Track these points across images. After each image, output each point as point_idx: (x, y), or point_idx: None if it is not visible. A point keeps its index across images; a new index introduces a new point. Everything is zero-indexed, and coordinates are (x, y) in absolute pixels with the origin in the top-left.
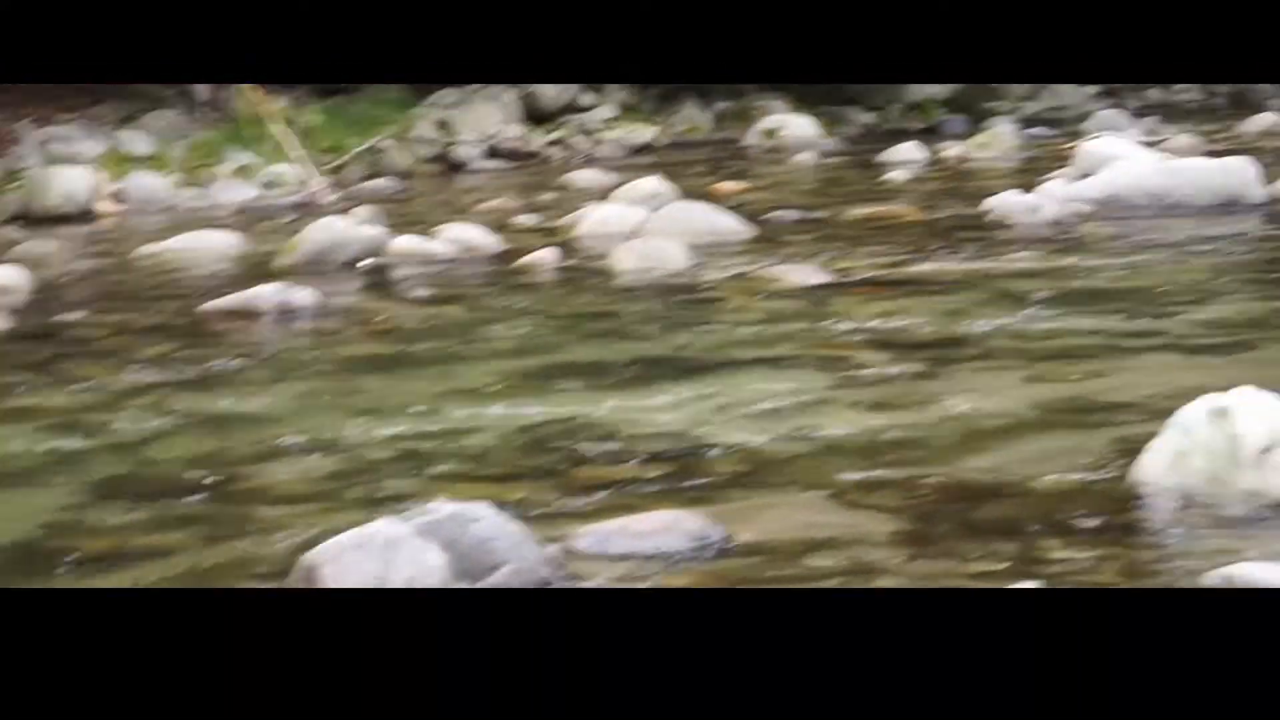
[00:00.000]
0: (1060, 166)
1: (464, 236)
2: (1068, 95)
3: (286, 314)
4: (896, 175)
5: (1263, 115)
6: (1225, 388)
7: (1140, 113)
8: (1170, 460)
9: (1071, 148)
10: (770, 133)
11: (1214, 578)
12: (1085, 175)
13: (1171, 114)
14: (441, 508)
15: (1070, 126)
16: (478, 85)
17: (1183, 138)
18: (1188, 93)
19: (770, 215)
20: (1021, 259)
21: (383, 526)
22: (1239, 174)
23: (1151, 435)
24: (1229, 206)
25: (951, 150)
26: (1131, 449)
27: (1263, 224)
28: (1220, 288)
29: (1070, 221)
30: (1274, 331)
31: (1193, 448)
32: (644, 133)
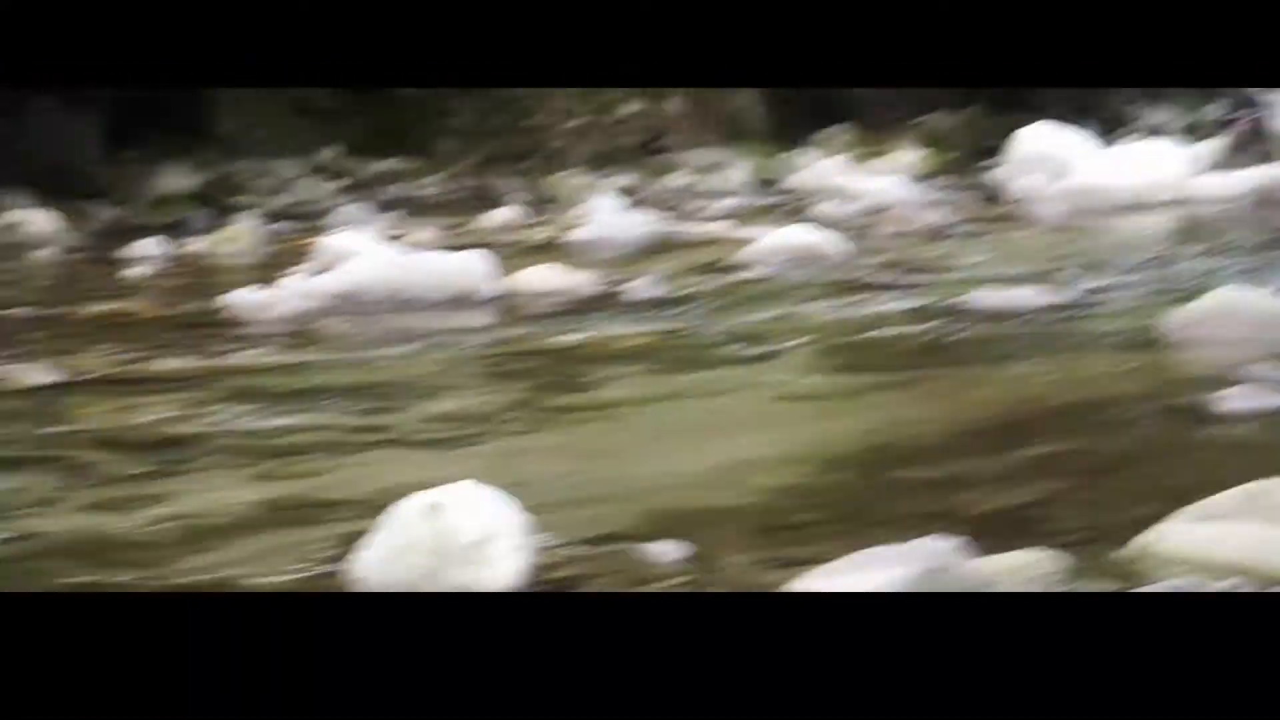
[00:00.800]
0: (301, 262)
1: None
2: (314, 190)
3: None
4: (135, 272)
5: (500, 210)
6: (450, 482)
7: (385, 207)
8: (386, 556)
9: (312, 243)
10: (8, 228)
11: None
12: (324, 270)
13: (416, 208)
14: None
15: (314, 221)
16: None
17: (424, 231)
18: (430, 187)
19: (2, 314)
20: (254, 356)
21: None
22: (472, 268)
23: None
24: (462, 300)
25: (194, 246)
26: (354, 546)
27: (493, 318)
28: (448, 382)
29: (306, 317)
30: (497, 425)
31: (408, 544)
32: None
